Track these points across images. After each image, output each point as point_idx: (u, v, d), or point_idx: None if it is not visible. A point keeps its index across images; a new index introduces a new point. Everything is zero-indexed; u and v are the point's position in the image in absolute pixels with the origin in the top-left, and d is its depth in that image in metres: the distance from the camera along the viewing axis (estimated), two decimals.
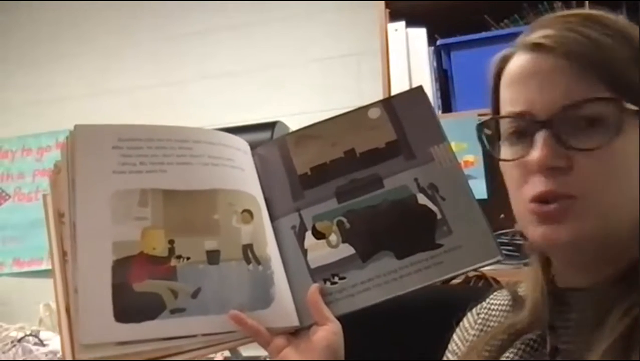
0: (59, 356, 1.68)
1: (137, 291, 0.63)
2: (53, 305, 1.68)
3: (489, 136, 0.66)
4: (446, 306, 0.77)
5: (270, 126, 1.93)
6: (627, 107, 0.57)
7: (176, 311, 0.63)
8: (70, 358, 0.60)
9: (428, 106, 0.77)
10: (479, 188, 1.43)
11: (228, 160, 0.73)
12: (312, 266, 0.72)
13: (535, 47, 0.61)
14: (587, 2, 1.34)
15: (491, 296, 0.77)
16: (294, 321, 0.69)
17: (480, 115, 1.54)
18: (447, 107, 1.72)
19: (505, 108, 0.63)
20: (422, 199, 0.71)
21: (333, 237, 0.72)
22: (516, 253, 1.20)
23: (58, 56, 2.53)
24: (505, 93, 0.64)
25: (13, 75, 2.58)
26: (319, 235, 0.73)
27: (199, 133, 0.72)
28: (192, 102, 2.30)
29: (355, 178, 0.74)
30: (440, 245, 0.69)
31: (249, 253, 0.69)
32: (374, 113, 0.77)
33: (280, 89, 2.22)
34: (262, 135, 1.79)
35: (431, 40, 1.75)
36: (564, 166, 0.58)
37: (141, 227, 0.65)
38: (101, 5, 2.48)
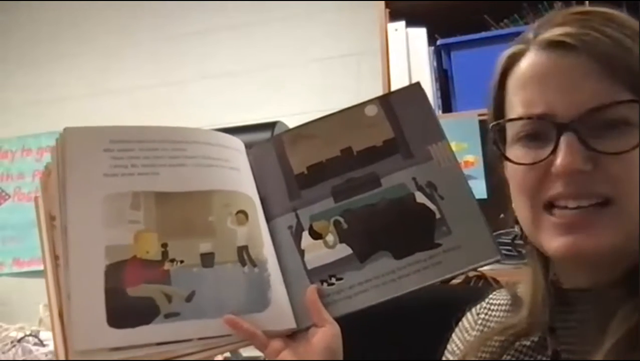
0: None
1: (131, 295, 0.62)
2: None
3: (497, 137, 0.64)
4: (446, 306, 0.77)
5: (270, 126, 1.92)
6: None
7: (171, 316, 0.62)
8: None
9: (426, 103, 0.76)
10: (479, 188, 1.43)
11: (223, 160, 0.71)
12: (309, 267, 0.71)
13: (555, 45, 0.59)
14: (587, 2, 1.33)
15: (491, 295, 0.77)
16: (291, 324, 0.68)
17: (480, 115, 1.54)
18: (447, 107, 1.72)
19: (518, 109, 0.61)
20: (420, 198, 0.70)
21: (330, 237, 0.71)
22: (516, 253, 1.20)
23: (58, 56, 2.53)
24: (518, 94, 0.62)
25: (13, 75, 2.58)
26: (316, 235, 0.72)
27: (192, 134, 0.71)
28: (192, 102, 2.30)
29: (352, 177, 0.73)
30: (439, 245, 0.68)
31: (245, 255, 0.68)
32: (371, 110, 0.76)
33: (280, 89, 2.21)
34: (262, 135, 1.79)
35: (431, 40, 1.74)
36: (590, 170, 0.56)
37: (134, 231, 0.64)
38: (101, 5, 2.48)
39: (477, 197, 0.70)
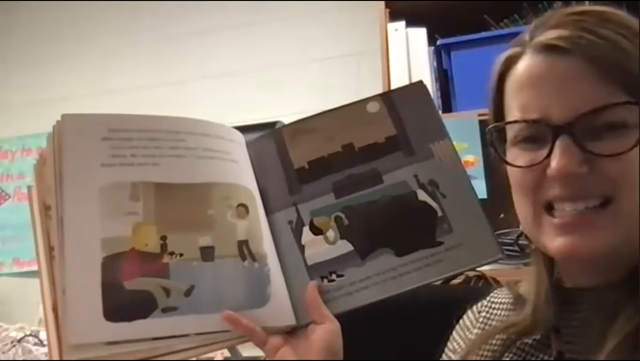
0: None
1: (128, 289, 0.60)
2: None
3: (494, 139, 0.64)
4: (446, 306, 0.77)
5: (270, 126, 1.91)
6: None
7: (168, 310, 0.61)
8: (58, 359, 0.58)
9: (429, 101, 0.75)
10: (479, 188, 1.41)
11: (223, 152, 0.70)
12: (310, 263, 0.70)
13: (549, 48, 0.59)
14: (587, 2, 1.33)
15: (492, 294, 0.76)
16: (291, 320, 0.67)
17: (480, 115, 1.54)
18: (447, 107, 1.72)
19: (515, 113, 0.61)
20: (422, 196, 0.70)
21: (331, 233, 0.71)
22: (517, 253, 1.20)
23: (58, 56, 2.53)
24: (515, 97, 0.62)
25: (13, 75, 2.58)
26: (316, 230, 0.71)
27: (193, 124, 0.70)
28: (192, 102, 2.30)
29: (353, 173, 0.73)
30: (441, 243, 0.68)
31: (245, 249, 0.67)
32: (373, 107, 0.75)
33: (280, 88, 2.21)
34: None
35: (431, 40, 1.75)
36: (586, 172, 0.56)
37: (132, 223, 0.63)
38: (101, 5, 2.48)
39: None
